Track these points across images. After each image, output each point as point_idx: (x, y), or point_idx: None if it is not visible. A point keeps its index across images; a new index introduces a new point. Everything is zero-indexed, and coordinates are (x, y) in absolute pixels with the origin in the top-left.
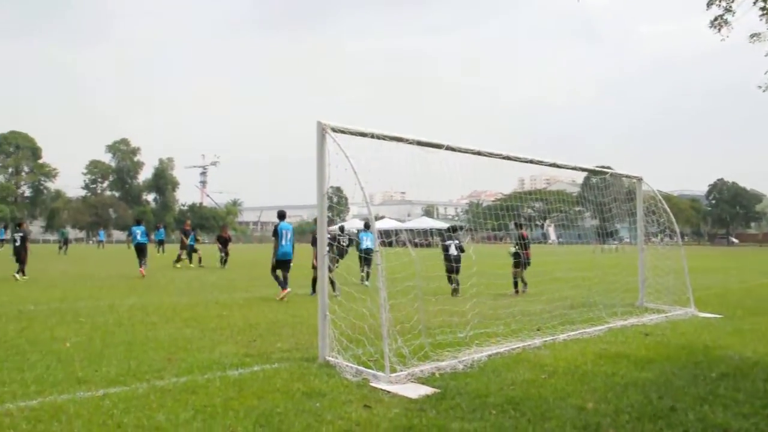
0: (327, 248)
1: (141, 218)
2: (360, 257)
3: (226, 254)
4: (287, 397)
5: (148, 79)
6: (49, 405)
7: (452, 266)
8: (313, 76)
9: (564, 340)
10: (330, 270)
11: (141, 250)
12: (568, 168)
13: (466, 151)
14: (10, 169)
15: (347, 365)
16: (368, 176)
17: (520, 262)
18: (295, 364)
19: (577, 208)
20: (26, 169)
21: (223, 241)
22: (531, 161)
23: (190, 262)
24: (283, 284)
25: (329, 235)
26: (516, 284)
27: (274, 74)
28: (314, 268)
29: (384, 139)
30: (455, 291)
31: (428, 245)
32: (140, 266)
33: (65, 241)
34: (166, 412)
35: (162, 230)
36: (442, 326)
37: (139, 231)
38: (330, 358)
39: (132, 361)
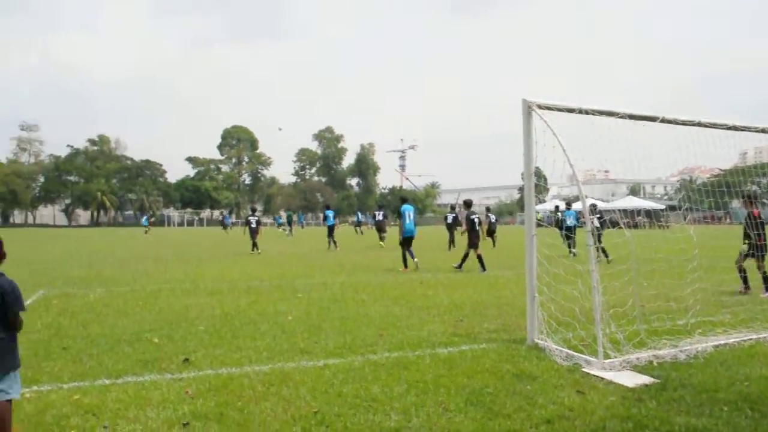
0: (534, 229)
1: (329, 203)
2: (562, 235)
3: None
4: (497, 377)
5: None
6: (278, 371)
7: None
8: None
9: None
10: (476, 246)
11: (331, 230)
12: None
13: (684, 123)
14: (233, 160)
15: (557, 348)
16: (575, 154)
17: (753, 250)
18: (503, 345)
19: None
20: (246, 159)
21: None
22: (764, 130)
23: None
24: (412, 255)
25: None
26: (746, 278)
27: (467, 54)
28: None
29: (593, 114)
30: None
31: (636, 226)
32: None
33: (289, 223)
34: (380, 385)
35: (359, 214)
36: (658, 312)
37: (330, 214)
38: (539, 341)
39: (347, 335)
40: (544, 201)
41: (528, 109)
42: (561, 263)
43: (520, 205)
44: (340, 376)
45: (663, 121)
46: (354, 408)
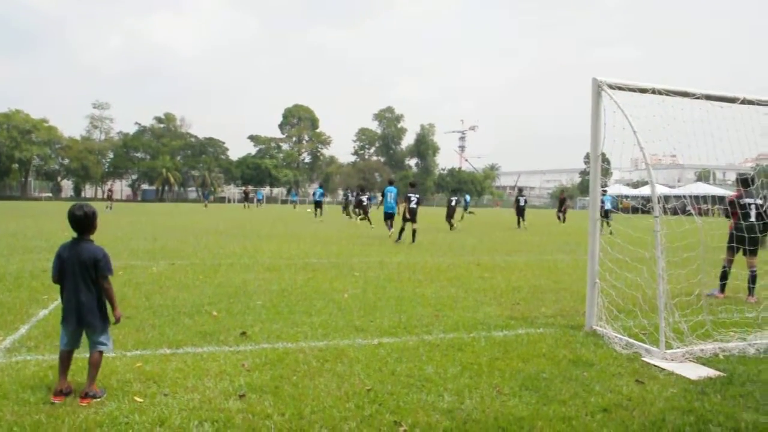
0: (598, 213)
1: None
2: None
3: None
4: (553, 363)
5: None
6: (333, 347)
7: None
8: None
9: None
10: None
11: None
12: None
13: None
14: (294, 138)
15: (616, 336)
16: (644, 136)
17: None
18: (560, 331)
19: None
20: (306, 138)
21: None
22: None
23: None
24: (390, 227)
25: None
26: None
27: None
28: (404, 220)
29: (667, 94)
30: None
31: (707, 213)
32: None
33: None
34: (434, 365)
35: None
36: (725, 303)
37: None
38: (597, 328)
39: (402, 314)
40: (607, 186)
41: (598, 88)
42: (625, 249)
43: (581, 189)
44: (395, 355)
45: (744, 102)
46: (407, 387)
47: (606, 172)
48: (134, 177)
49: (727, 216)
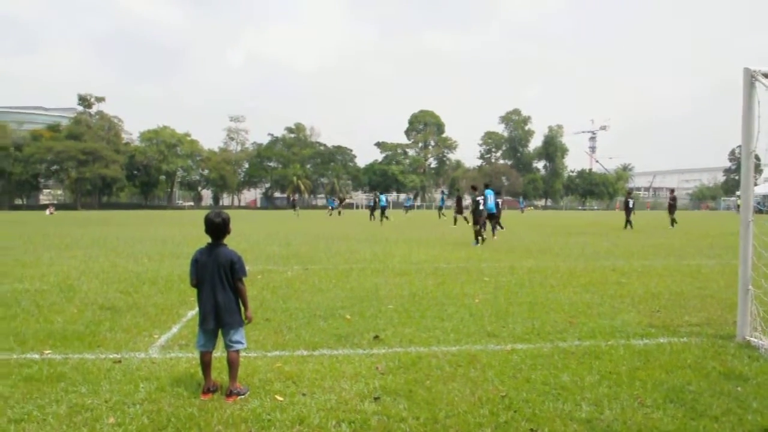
0: (751, 215)
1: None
2: None
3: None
4: (700, 375)
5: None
6: (465, 353)
7: None
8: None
9: None
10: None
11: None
12: None
13: None
14: (420, 144)
15: None
16: None
17: None
18: (707, 341)
19: None
20: (432, 143)
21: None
22: None
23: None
24: (493, 229)
25: None
26: None
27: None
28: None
29: None
30: None
31: None
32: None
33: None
34: (570, 374)
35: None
36: None
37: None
38: (751, 338)
39: (535, 320)
40: (756, 184)
41: (751, 78)
42: None
43: (725, 188)
44: (528, 362)
45: None
46: (543, 395)
47: (756, 169)
48: (267, 185)
49: None
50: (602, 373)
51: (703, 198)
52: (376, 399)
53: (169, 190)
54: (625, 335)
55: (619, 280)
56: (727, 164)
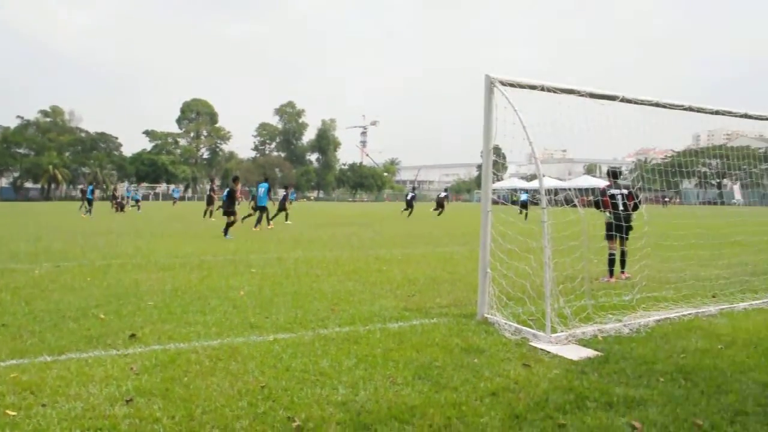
0: (489, 205)
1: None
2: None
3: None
4: (445, 351)
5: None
6: (227, 346)
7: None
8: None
9: (745, 309)
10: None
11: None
12: (763, 119)
13: (642, 103)
14: (191, 134)
15: (506, 323)
16: (535, 131)
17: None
18: (454, 320)
19: (764, 166)
20: (205, 133)
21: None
22: (717, 112)
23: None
24: (268, 220)
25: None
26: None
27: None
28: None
29: (555, 92)
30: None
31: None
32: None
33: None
34: (330, 359)
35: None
36: (606, 288)
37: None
38: (489, 316)
39: (298, 310)
40: (502, 179)
41: (490, 84)
42: (515, 240)
43: (478, 182)
44: (290, 351)
45: (623, 100)
46: (302, 382)
47: (501, 167)
48: (16, 174)
49: (597, 207)
50: (359, 356)
51: (459, 191)
52: (128, 401)
53: None
54: (382, 319)
55: (381, 267)
56: (480, 161)
